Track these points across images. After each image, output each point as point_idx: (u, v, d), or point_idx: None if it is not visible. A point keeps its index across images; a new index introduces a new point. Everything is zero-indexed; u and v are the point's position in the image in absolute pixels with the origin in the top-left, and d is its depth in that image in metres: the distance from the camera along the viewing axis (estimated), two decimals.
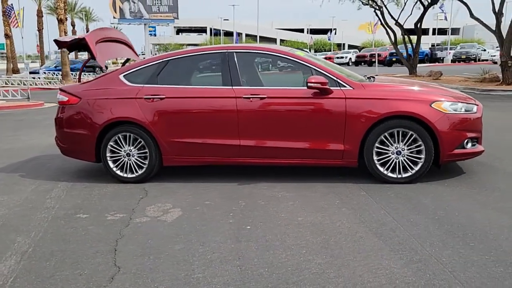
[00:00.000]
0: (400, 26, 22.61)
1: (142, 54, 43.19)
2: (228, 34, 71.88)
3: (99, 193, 4.73)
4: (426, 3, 21.47)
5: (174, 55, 5.17)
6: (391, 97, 4.66)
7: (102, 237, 3.57)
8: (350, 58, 44.40)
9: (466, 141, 4.71)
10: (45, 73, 27.95)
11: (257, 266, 3.00)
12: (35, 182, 5.21)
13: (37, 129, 9.39)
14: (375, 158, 4.69)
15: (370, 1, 23.75)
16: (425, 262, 2.96)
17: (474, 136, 4.79)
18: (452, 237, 3.34)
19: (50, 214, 4.12)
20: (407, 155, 4.66)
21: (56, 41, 5.73)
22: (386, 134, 4.63)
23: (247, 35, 70.38)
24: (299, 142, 4.79)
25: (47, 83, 22.94)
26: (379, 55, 32.37)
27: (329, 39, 69.44)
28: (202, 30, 79.43)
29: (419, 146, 4.61)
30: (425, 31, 44.88)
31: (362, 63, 41.17)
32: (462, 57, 38.21)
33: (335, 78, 4.76)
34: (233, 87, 4.85)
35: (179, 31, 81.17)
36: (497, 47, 31.85)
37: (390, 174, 4.71)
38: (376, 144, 4.66)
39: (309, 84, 4.60)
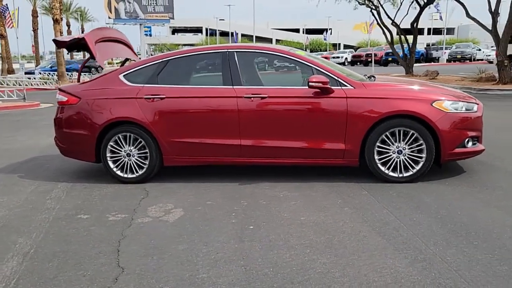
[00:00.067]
0: (397, 25, 22.67)
1: (138, 54, 42.99)
2: (224, 34, 71.76)
3: (100, 194, 4.70)
4: (422, 3, 21.54)
5: (174, 55, 5.14)
6: (392, 96, 4.66)
7: (104, 237, 3.54)
8: (346, 58, 44.42)
9: (467, 140, 4.72)
10: (40, 73, 27.84)
11: (262, 266, 2.99)
12: (34, 183, 5.17)
13: (34, 130, 9.34)
14: (376, 157, 4.69)
15: (366, 1, 23.80)
16: (430, 261, 2.96)
17: (475, 135, 4.80)
18: (455, 236, 3.35)
19: (50, 215, 4.09)
20: (408, 154, 4.66)
21: (55, 41, 5.69)
22: (387, 133, 4.63)
23: (242, 35, 70.27)
24: (300, 142, 4.79)
25: (42, 84, 22.84)
26: (375, 54, 32.42)
27: (325, 39, 69.48)
28: (197, 30, 79.28)
29: (420, 145, 4.61)
30: (421, 31, 44.99)
31: (358, 63, 41.21)
32: (458, 56, 38.38)
33: (336, 78, 4.75)
34: (234, 87, 4.83)
35: (175, 31, 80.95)
36: (492, 46, 32.01)
37: (391, 173, 4.71)
38: (377, 144, 4.66)
39: (310, 83, 4.59)
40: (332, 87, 4.67)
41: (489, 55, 34.99)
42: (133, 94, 4.95)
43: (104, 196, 4.61)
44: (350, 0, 24.83)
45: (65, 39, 5.62)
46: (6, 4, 30.44)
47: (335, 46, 73.41)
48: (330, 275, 2.83)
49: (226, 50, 5.01)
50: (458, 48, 40.78)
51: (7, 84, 21.65)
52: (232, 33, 62.99)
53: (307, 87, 4.67)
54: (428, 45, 51.53)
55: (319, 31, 73.80)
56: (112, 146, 4.98)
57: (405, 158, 4.68)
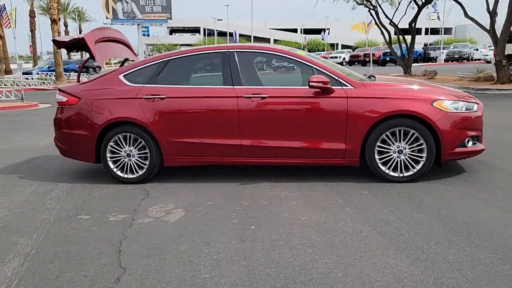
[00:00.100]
0: (395, 25, 22.70)
1: (136, 55, 42.98)
2: (222, 34, 71.80)
3: (100, 194, 4.69)
4: (420, 3, 21.57)
5: (175, 55, 5.13)
6: (393, 96, 4.66)
7: (105, 238, 3.53)
8: (344, 58, 44.47)
9: (467, 139, 4.73)
10: (38, 73, 27.77)
11: (264, 266, 2.98)
12: (34, 183, 5.16)
13: (32, 130, 9.31)
14: (376, 157, 4.70)
15: (364, 1, 23.81)
16: (432, 261, 2.96)
17: (475, 135, 4.81)
18: (457, 236, 3.35)
19: (51, 216, 4.08)
20: (409, 154, 4.67)
21: (54, 41, 5.67)
22: (387, 133, 4.64)
23: (240, 35, 70.21)
24: (300, 142, 4.78)
25: (40, 84, 22.78)
26: (373, 54, 32.48)
27: (322, 39, 69.61)
28: (195, 30, 79.27)
29: (421, 145, 4.61)
30: (418, 31, 44.95)
31: (356, 63, 41.27)
32: (455, 56, 38.44)
33: (336, 78, 4.75)
34: (234, 87, 4.83)
35: (173, 31, 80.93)
36: (489, 46, 32.13)
37: (392, 173, 4.71)
38: (378, 143, 4.66)
39: (310, 83, 4.59)
40: (333, 87, 4.67)
41: (487, 55, 35.12)
42: (133, 94, 4.94)
43: (104, 197, 4.60)
44: (348, 0, 24.85)
45: (64, 39, 5.60)
46: (4, 4, 30.44)
47: (333, 46, 73.55)
48: (332, 275, 2.83)
49: (226, 50, 5.01)
50: (455, 48, 40.87)
51: (4, 85, 21.55)
52: (231, 33, 62.98)
53: (307, 87, 4.66)
54: (426, 45, 51.67)
55: (317, 31, 73.96)
56: (112, 147, 4.97)
57: (405, 158, 4.68)
